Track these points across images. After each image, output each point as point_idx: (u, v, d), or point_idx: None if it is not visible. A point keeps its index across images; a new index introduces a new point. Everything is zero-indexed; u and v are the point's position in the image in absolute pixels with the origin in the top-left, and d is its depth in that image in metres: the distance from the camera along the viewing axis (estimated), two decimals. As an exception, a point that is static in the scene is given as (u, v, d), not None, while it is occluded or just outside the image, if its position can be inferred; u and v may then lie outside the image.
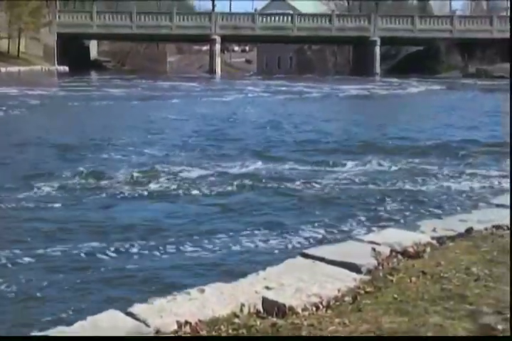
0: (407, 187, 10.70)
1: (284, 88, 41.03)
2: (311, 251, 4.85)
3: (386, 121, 22.36)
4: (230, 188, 10.47)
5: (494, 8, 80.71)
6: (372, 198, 9.79)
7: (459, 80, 51.99)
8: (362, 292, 4.12)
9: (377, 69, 63.33)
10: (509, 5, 49.52)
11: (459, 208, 8.85)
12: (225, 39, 65.21)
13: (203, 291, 3.89)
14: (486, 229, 5.56)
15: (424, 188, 10.60)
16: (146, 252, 7.18)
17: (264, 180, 11.03)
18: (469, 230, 5.48)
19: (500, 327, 3.56)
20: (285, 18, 64.23)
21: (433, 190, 10.44)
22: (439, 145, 15.47)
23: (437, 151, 14.56)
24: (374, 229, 7.44)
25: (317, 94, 36.51)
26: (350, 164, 12.78)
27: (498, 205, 6.51)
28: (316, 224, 8.27)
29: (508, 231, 5.50)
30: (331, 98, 34.33)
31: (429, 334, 3.48)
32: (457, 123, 21.23)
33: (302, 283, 4.12)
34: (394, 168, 12.52)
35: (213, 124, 20.39)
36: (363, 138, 16.89)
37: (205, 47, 78.57)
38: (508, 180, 10.01)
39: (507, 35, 62.50)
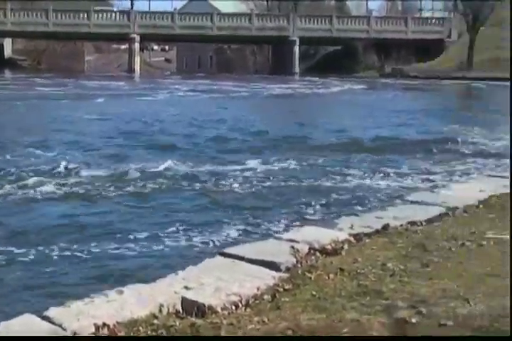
0: (327, 184, 10.84)
1: (209, 87, 41.20)
2: (230, 250, 4.86)
3: (308, 119, 22.56)
4: (136, 189, 10.31)
5: (409, 10, 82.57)
6: (292, 195, 9.88)
7: (378, 79, 53.02)
8: (281, 290, 4.16)
9: (297, 68, 63.96)
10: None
11: (375, 204, 9.01)
12: (144, 38, 64.61)
13: (121, 293, 3.86)
14: (401, 225, 5.70)
15: (341, 185, 10.77)
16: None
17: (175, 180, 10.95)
18: (385, 227, 5.60)
19: (413, 320, 3.65)
20: (205, 17, 64.12)
21: (350, 187, 10.62)
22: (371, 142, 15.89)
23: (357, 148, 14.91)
24: (293, 226, 7.51)
25: (244, 93, 36.67)
26: (272, 161, 12.90)
27: (412, 202, 6.68)
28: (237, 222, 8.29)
29: (422, 227, 5.65)
30: (257, 97, 34.57)
31: (345, 330, 3.54)
32: (374, 121, 21.64)
33: (221, 282, 4.12)
34: (311, 164, 12.69)
35: (144, 124, 20.18)
36: (287, 135, 17.05)
37: (123, 46, 77.63)
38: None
39: (420, 35, 64.23)
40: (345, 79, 49.57)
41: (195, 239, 7.59)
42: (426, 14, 75.50)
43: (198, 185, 10.68)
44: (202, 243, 7.46)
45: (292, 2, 71.26)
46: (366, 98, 34.22)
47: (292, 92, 38.12)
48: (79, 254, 7.03)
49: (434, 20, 67.23)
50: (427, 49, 62.08)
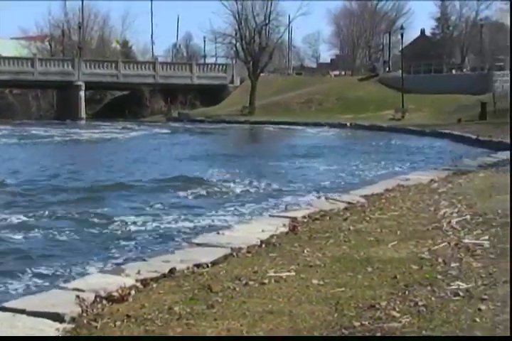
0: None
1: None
2: (11, 304, 4.66)
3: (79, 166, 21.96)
4: None
5: (194, 56, 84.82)
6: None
7: (168, 123, 53.54)
8: (65, 341, 4.05)
9: (83, 113, 63.00)
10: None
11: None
12: None
13: None
14: (187, 268, 5.77)
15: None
16: None
17: None
18: (172, 270, 5.64)
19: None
20: (-17, 60, 61.59)
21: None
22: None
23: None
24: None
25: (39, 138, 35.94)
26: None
27: (198, 244, 6.80)
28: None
29: (208, 269, 5.77)
30: (50, 143, 33.85)
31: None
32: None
33: None
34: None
35: None
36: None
37: None
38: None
39: (205, 81, 66.22)
40: (149, 124, 49.76)
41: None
42: (209, 60, 78.00)
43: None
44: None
45: (77, 47, 70.58)
46: (149, 142, 34.31)
47: (82, 138, 37.65)
48: None
49: (217, 67, 69.59)
50: (212, 94, 64.06)
